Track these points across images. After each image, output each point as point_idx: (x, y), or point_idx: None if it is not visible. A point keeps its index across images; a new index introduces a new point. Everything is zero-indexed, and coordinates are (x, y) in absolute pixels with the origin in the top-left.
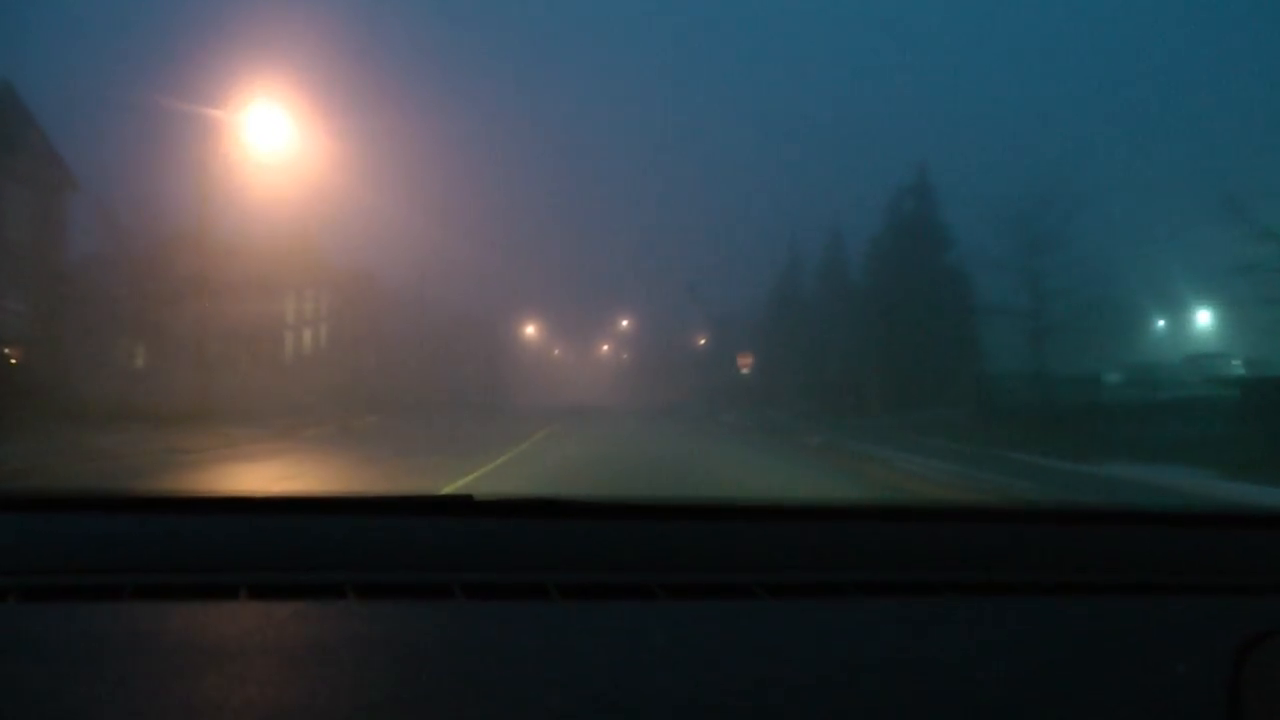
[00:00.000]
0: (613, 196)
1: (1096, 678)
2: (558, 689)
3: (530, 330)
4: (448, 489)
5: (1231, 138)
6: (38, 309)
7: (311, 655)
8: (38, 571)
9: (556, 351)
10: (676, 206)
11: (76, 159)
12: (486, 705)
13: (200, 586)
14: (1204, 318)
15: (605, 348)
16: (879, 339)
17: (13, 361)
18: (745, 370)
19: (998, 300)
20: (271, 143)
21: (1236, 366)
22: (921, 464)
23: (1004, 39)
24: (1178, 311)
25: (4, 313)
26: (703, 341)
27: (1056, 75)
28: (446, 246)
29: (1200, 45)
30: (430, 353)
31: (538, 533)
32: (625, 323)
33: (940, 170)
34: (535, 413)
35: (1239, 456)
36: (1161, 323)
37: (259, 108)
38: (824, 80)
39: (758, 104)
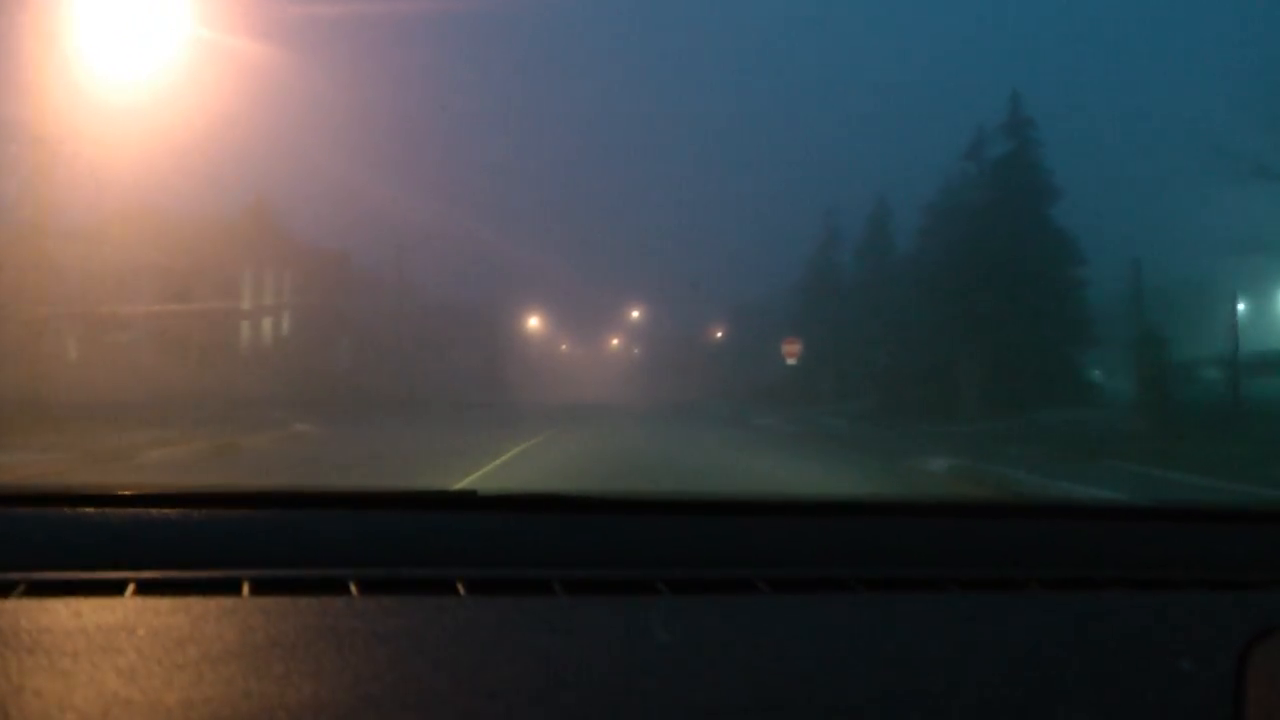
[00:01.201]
0: (620, 176)
1: (1101, 673)
2: (561, 684)
3: (534, 323)
4: None
5: None
6: None
7: (314, 650)
8: (41, 567)
9: (564, 346)
10: (692, 186)
11: None
12: (490, 701)
13: (203, 581)
14: None
15: (615, 341)
16: (968, 320)
17: None
18: (792, 360)
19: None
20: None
21: None
22: None
23: None
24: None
25: None
26: (719, 335)
27: None
28: (437, 225)
29: None
30: (418, 346)
31: (541, 528)
32: (636, 314)
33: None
34: (533, 413)
35: None
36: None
37: None
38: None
39: (782, 63)
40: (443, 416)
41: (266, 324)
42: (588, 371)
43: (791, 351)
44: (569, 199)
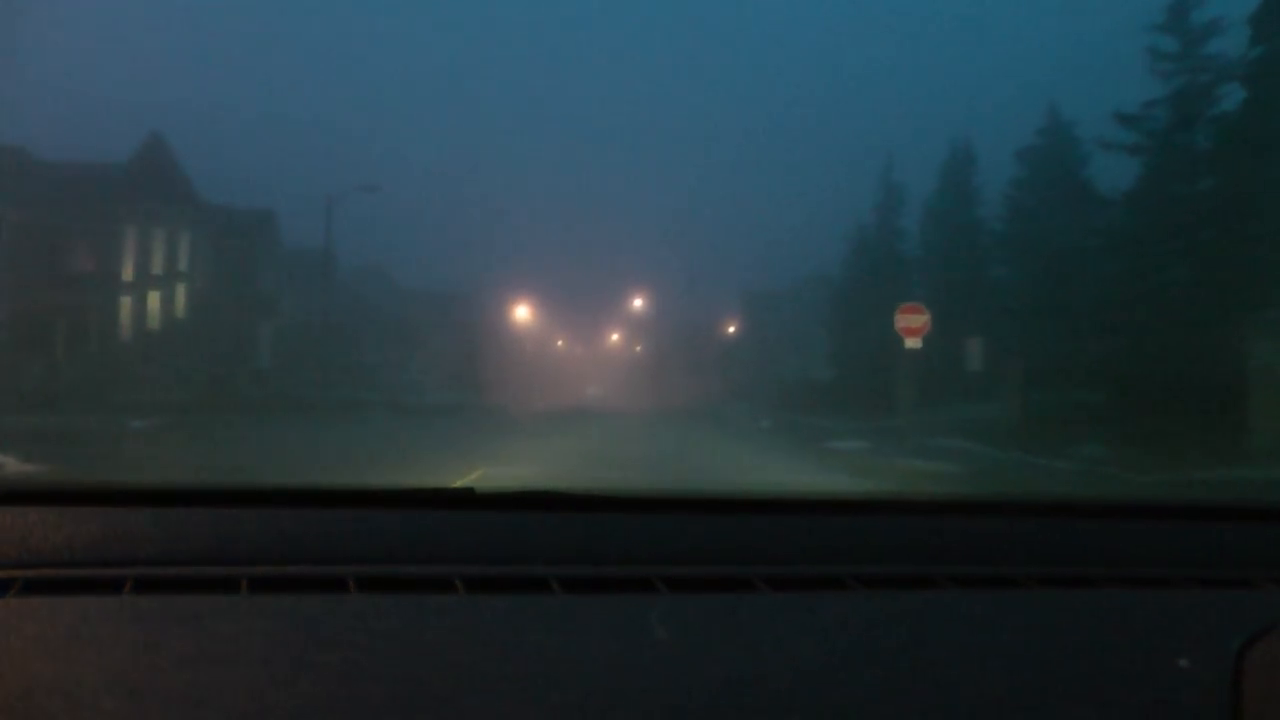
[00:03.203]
0: (618, 149)
1: (1098, 671)
2: (559, 682)
3: (523, 314)
4: None
5: None
6: None
7: (313, 648)
8: (38, 564)
9: (560, 342)
10: (700, 154)
11: None
12: (488, 699)
13: (201, 579)
14: None
15: (615, 336)
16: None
17: None
18: (914, 342)
19: None
20: None
21: None
22: None
23: None
24: None
25: None
26: (734, 328)
27: None
28: (403, 198)
29: None
30: (366, 335)
31: (539, 526)
32: (639, 304)
33: None
34: (496, 424)
35: None
36: None
37: None
38: None
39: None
40: (347, 429)
41: (154, 300)
42: (583, 369)
43: (914, 327)
44: (565, 183)
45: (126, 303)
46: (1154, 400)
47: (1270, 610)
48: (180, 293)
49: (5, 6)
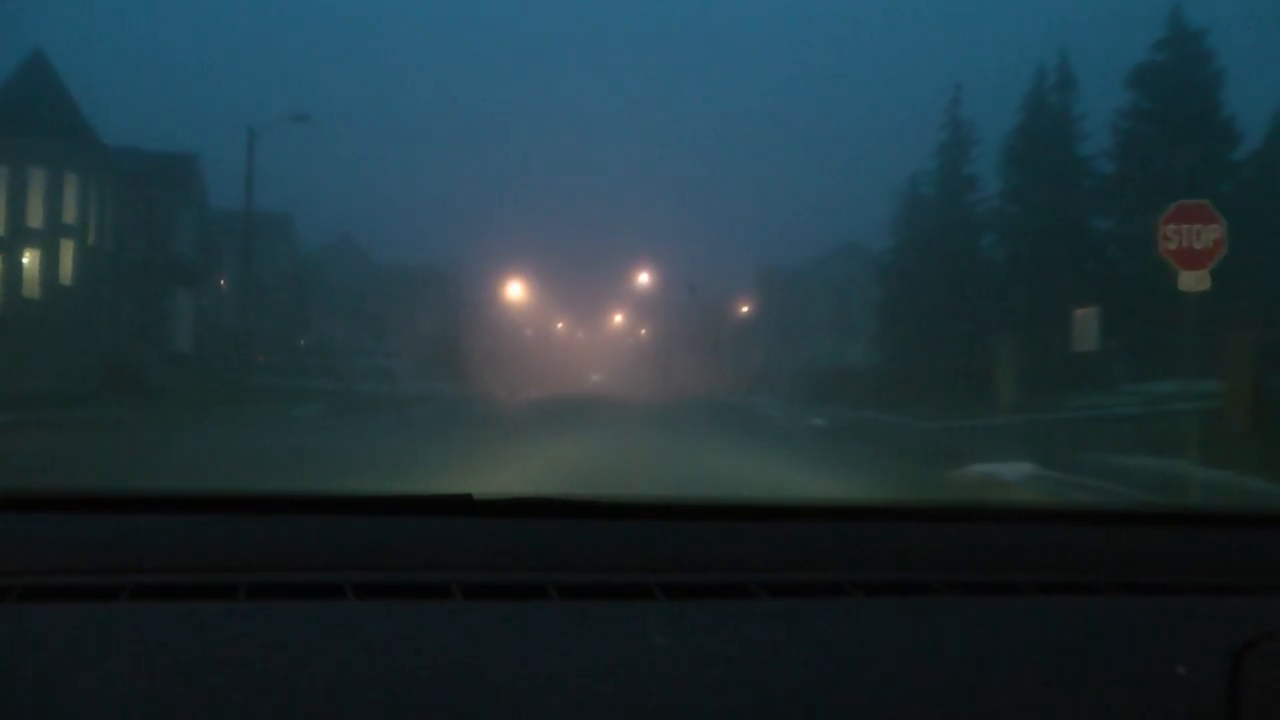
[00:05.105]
0: (621, 105)
1: (1096, 678)
2: (557, 690)
3: (515, 292)
4: None
5: None
6: None
7: (310, 655)
8: (35, 571)
9: (560, 324)
10: (715, 111)
11: None
12: (486, 705)
13: (199, 586)
14: None
15: (619, 317)
16: None
17: None
18: (1198, 279)
19: None
20: None
21: None
22: None
23: None
24: None
25: None
26: (747, 310)
27: None
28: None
29: None
30: (315, 311)
31: (537, 532)
32: (646, 279)
33: None
34: (458, 424)
35: None
36: None
37: None
38: None
39: None
40: (260, 429)
41: (32, 261)
42: (583, 352)
43: (1200, 248)
44: (564, 148)
45: None
46: None
47: (1267, 617)
48: (67, 252)
49: None
